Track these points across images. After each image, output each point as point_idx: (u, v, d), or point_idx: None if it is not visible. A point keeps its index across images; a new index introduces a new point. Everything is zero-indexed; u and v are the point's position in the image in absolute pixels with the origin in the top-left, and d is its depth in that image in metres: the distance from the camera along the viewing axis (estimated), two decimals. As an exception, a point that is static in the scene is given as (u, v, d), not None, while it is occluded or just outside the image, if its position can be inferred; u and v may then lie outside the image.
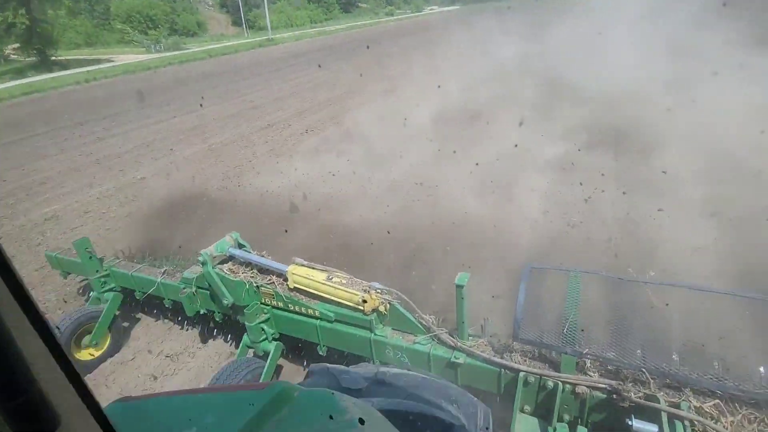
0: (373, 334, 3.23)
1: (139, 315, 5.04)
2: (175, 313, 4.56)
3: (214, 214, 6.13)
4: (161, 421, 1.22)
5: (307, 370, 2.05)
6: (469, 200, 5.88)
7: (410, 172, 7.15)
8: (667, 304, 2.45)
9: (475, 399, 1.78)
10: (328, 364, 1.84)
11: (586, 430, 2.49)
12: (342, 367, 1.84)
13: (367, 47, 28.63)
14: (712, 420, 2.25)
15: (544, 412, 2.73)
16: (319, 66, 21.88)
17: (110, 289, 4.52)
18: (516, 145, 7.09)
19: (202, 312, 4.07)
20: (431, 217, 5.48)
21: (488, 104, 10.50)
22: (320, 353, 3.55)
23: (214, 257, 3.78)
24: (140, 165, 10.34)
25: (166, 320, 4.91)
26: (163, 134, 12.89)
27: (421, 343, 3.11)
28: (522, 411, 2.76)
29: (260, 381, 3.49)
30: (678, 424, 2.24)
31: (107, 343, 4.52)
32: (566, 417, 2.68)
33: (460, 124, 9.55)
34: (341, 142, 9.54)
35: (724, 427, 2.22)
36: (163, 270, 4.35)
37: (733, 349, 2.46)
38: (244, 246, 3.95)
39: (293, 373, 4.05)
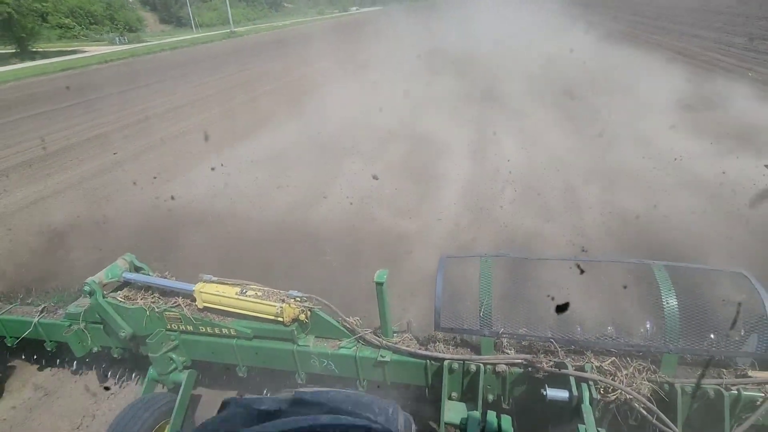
0: (296, 346, 3.07)
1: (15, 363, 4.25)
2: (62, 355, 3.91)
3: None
4: None
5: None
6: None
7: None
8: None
9: (397, 405, 1.78)
10: (244, 396, 1.71)
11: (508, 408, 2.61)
12: (258, 396, 1.73)
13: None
14: (610, 377, 2.49)
15: (470, 395, 2.81)
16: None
17: (-29, 340, 3.74)
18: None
19: (95, 350, 3.54)
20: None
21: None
22: (240, 375, 3.28)
23: (105, 284, 3.31)
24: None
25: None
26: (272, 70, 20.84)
27: (347, 347, 3.02)
28: (450, 398, 2.82)
29: (173, 416, 3.12)
30: (584, 385, 2.44)
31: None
32: (490, 397, 2.79)
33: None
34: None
35: (620, 381, 2.46)
36: (41, 308, 3.70)
37: (623, 310, 2.76)
38: (142, 268, 3.52)
39: (213, 402, 3.70)
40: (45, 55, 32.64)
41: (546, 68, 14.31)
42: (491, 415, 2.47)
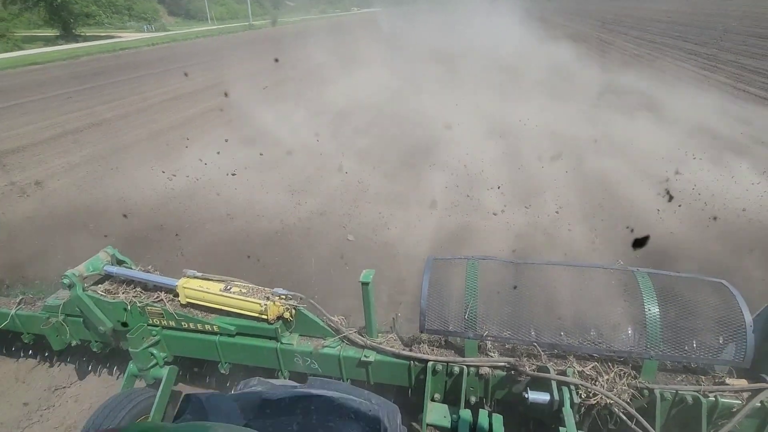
0: (279, 344, 3.04)
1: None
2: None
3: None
4: None
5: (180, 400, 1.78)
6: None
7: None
8: (515, 287, 2.73)
9: (377, 402, 1.72)
10: (201, 395, 1.61)
11: (489, 409, 2.61)
12: (219, 395, 1.63)
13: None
14: (591, 381, 2.51)
15: (453, 397, 2.81)
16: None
17: (-56, 330, 3.64)
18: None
19: (74, 344, 3.47)
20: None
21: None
22: (222, 371, 3.24)
23: (86, 277, 3.25)
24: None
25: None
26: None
27: (331, 347, 3.00)
28: (432, 399, 2.81)
29: (152, 412, 3.07)
30: (565, 389, 2.46)
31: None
32: (473, 399, 2.79)
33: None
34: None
35: (601, 386, 2.48)
36: (18, 299, 3.62)
37: (605, 316, 2.78)
38: (125, 261, 3.46)
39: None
40: (85, 38, 36.12)
41: (507, 59, 18.39)
42: (482, 415, 2.45)
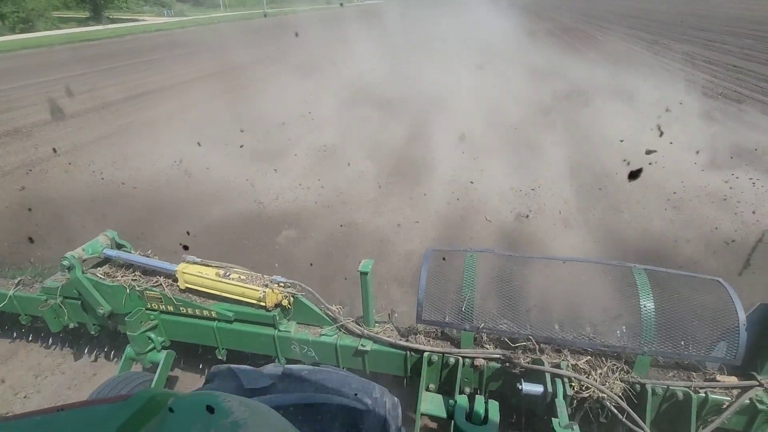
0: (276, 331, 3.06)
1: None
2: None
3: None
4: None
5: (207, 373, 1.86)
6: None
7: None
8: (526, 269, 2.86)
9: (386, 390, 1.79)
10: (232, 365, 1.69)
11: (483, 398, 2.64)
12: (246, 367, 1.71)
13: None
14: (585, 375, 2.55)
15: (447, 388, 2.84)
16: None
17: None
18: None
19: (71, 326, 3.48)
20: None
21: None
22: (219, 357, 3.27)
23: (85, 260, 3.25)
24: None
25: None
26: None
27: (328, 335, 3.02)
28: (427, 389, 2.85)
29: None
30: (558, 381, 2.49)
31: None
32: (467, 390, 2.83)
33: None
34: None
35: (594, 379, 2.52)
36: (17, 281, 3.62)
37: (601, 311, 2.81)
38: (124, 245, 3.46)
39: (190, 384, 3.68)
40: (113, 21, 39.03)
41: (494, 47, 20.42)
42: (479, 401, 2.47)
